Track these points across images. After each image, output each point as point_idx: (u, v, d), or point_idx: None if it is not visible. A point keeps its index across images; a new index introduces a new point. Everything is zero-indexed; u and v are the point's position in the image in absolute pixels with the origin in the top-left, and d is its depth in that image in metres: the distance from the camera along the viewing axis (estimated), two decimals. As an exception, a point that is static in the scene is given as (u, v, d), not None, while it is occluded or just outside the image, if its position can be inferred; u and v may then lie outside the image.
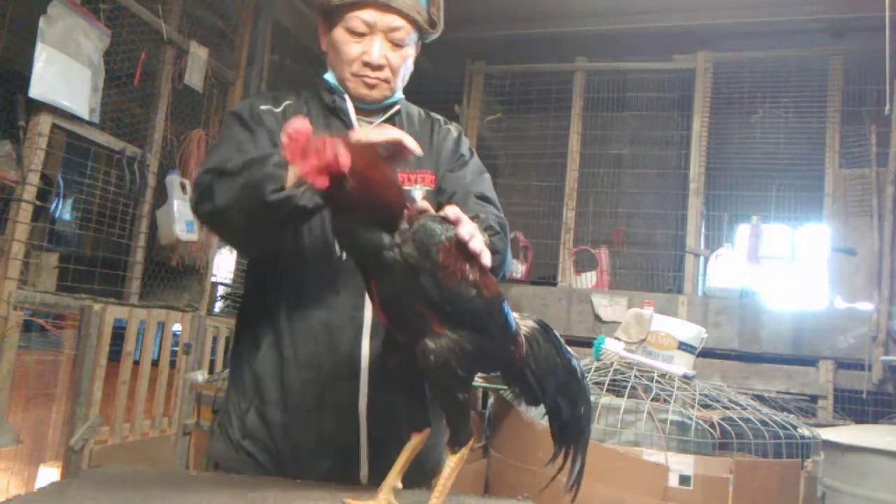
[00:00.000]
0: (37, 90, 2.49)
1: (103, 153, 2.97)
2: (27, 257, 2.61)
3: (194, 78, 3.31)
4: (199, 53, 3.32)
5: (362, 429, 1.27)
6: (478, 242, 1.01)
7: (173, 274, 3.42)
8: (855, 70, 4.36)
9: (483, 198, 1.39)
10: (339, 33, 1.36)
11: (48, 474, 2.76)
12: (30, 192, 2.56)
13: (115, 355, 2.85)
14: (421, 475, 1.30)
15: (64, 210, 3.83)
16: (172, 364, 3.20)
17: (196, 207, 1.24)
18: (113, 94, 2.98)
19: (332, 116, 1.39)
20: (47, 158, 2.66)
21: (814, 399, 3.99)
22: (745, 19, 4.49)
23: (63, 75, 2.59)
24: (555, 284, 4.63)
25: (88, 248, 3.42)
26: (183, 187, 3.25)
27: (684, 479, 2.07)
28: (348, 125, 1.37)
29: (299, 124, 0.93)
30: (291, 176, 0.95)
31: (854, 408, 3.92)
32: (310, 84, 1.47)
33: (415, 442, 1.09)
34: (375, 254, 0.97)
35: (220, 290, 4.29)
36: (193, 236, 3.27)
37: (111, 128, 2.97)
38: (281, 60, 4.43)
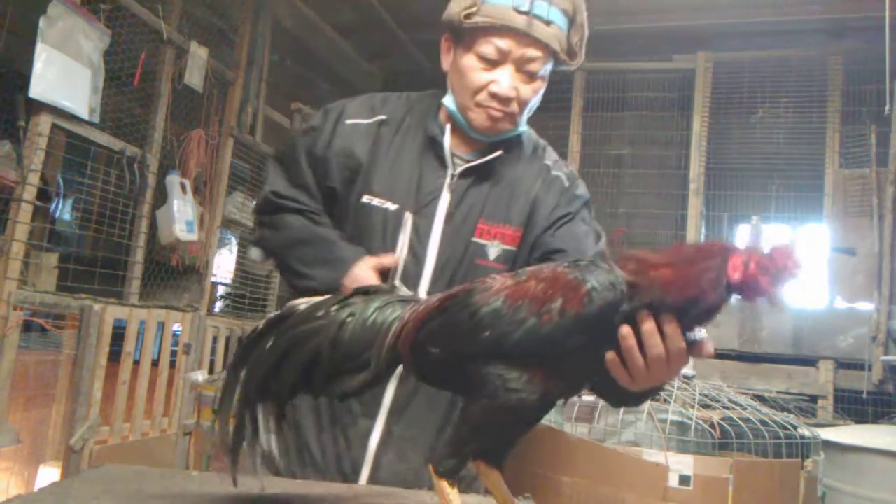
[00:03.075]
0: (37, 90, 2.49)
1: (103, 153, 2.97)
2: (27, 257, 2.61)
3: (194, 78, 3.30)
4: (199, 53, 3.32)
5: (366, 464, 1.24)
6: None
7: (173, 274, 3.42)
8: (855, 70, 4.36)
9: None
10: (468, 58, 1.23)
11: (48, 474, 2.76)
12: (30, 192, 2.56)
13: (115, 355, 2.85)
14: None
15: (64, 210, 3.83)
16: (172, 364, 3.20)
17: (256, 239, 1.32)
18: (113, 94, 2.97)
19: (428, 148, 1.28)
20: (47, 158, 2.66)
21: (814, 399, 3.99)
22: (745, 19, 4.49)
23: (63, 75, 2.58)
24: (555, 284, 4.62)
25: (88, 248, 3.42)
26: (183, 187, 3.25)
27: (684, 479, 2.07)
28: (443, 161, 1.27)
29: None
30: None
31: (854, 408, 3.92)
32: (413, 89, 1.38)
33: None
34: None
35: (220, 290, 4.29)
36: (193, 236, 3.27)
37: (111, 128, 2.97)
38: (281, 60, 4.43)
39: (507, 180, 1.29)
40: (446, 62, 1.31)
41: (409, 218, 1.23)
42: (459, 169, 1.27)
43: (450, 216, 1.24)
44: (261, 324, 0.96)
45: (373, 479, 1.24)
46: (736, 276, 0.86)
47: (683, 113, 4.72)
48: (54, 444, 2.89)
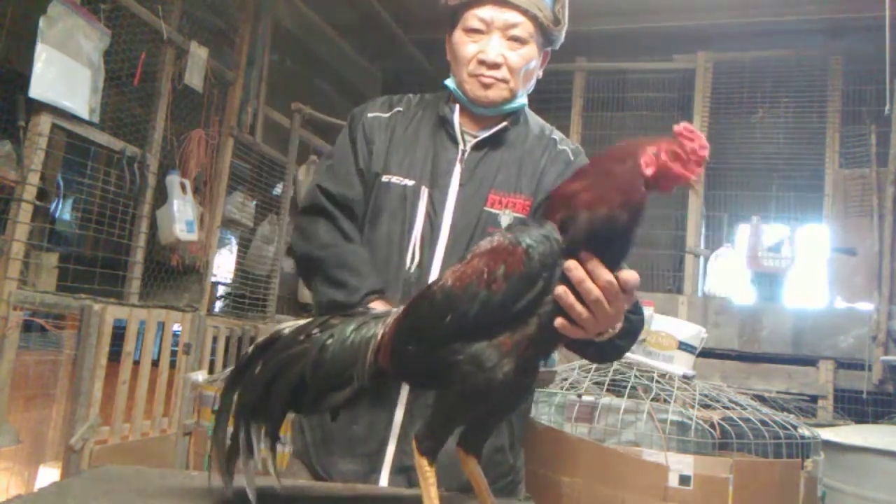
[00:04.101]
0: (37, 90, 2.49)
1: (103, 153, 2.97)
2: (27, 257, 2.61)
3: (194, 78, 3.30)
4: (199, 53, 3.32)
5: (391, 439, 1.26)
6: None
7: (173, 274, 3.41)
8: (855, 70, 4.36)
9: None
10: (457, 35, 1.34)
11: (48, 474, 2.76)
12: (30, 192, 2.56)
13: (115, 355, 2.85)
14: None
15: (64, 210, 3.83)
16: (172, 364, 3.20)
17: (292, 249, 1.39)
18: (113, 94, 2.97)
19: (440, 128, 1.36)
20: (47, 158, 2.66)
21: (814, 399, 3.99)
22: (745, 19, 4.49)
23: (63, 75, 2.58)
24: (555, 284, 4.62)
25: (88, 248, 3.42)
26: (183, 187, 3.25)
27: (684, 479, 2.07)
28: (453, 139, 1.35)
29: None
30: None
31: (854, 408, 3.92)
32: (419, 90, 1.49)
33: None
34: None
35: (220, 290, 4.29)
36: (193, 236, 3.27)
37: (111, 128, 2.97)
38: (281, 60, 4.43)
39: (516, 154, 1.37)
40: (448, 51, 1.41)
41: (424, 191, 1.31)
42: (470, 144, 1.35)
43: (462, 187, 1.32)
44: (250, 349, 1.02)
45: (399, 454, 1.25)
46: (648, 171, 0.92)
47: (683, 113, 4.71)
48: (54, 444, 2.89)
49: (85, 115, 2.70)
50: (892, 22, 3.18)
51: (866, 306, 4.02)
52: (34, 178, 2.57)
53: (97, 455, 2.67)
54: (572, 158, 1.40)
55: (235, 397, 0.99)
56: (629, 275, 0.91)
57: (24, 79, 2.52)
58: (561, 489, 2.17)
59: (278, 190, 4.27)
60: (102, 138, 2.86)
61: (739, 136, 4.78)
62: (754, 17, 4.45)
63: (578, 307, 0.88)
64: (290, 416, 1.38)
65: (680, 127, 0.92)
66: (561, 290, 0.88)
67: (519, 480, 1.38)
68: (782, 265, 4.49)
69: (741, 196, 4.73)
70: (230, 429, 0.99)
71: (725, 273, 4.45)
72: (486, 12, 1.30)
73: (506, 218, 1.31)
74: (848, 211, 4.24)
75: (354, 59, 5.13)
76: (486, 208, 1.31)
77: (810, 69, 4.47)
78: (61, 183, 3.15)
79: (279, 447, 1.45)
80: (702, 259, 4.56)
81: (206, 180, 3.48)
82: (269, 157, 4.01)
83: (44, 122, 2.57)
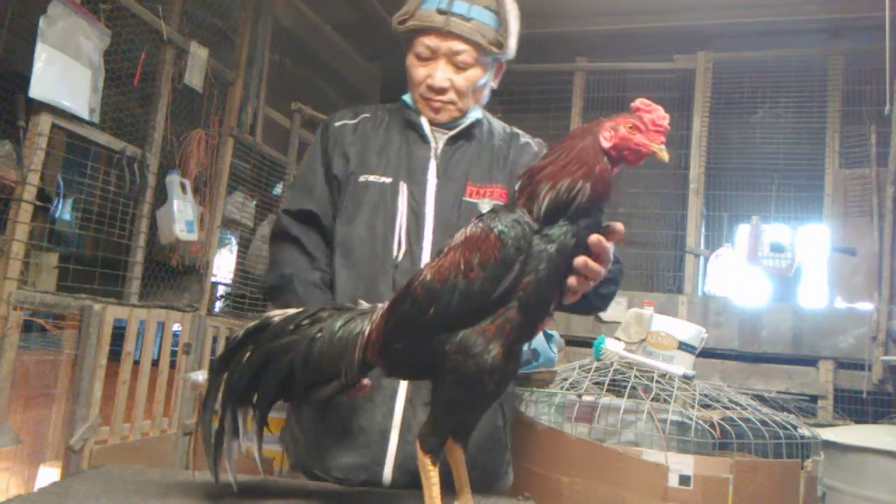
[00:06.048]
0: (37, 90, 2.49)
1: (103, 153, 2.97)
2: (27, 257, 2.60)
3: (194, 78, 3.30)
4: (199, 53, 3.32)
5: (394, 429, 1.27)
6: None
7: (173, 274, 3.41)
8: (855, 70, 4.36)
9: None
10: (410, 58, 1.43)
11: (48, 474, 2.76)
12: (30, 193, 2.56)
13: (115, 355, 2.85)
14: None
15: (64, 210, 3.83)
16: (172, 364, 3.20)
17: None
18: (113, 94, 2.97)
19: (409, 129, 1.44)
20: (47, 158, 2.65)
21: (814, 399, 3.99)
22: (745, 19, 4.49)
23: (63, 75, 2.58)
24: (555, 284, 4.62)
25: (88, 248, 3.42)
26: (183, 187, 3.25)
27: (684, 479, 2.07)
28: (424, 138, 1.43)
29: None
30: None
31: (854, 408, 3.92)
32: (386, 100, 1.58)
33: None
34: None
35: (220, 290, 4.29)
36: (193, 236, 3.27)
37: (111, 128, 2.96)
38: (281, 60, 4.43)
39: (485, 150, 1.46)
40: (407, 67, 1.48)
41: (403, 186, 1.38)
42: (441, 141, 1.43)
43: (439, 181, 1.39)
44: (240, 333, 1.05)
45: (402, 444, 1.26)
46: (607, 143, 0.98)
47: (683, 113, 4.71)
48: (54, 444, 2.89)
49: (85, 115, 2.70)
50: (892, 22, 3.18)
51: (866, 306, 4.02)
52: (34, 178, 2.57)
53: (97, 455, 2.67)
54: (536, 150, 1.49)
55: (224, 380, 1.02)
56: (615, 225, 1.00)
57: (24, 79, 2.52)
58: (561, 489, 2.17)
59: (278, 190, 4.27)
60: (102, 138, 2.85)
61: (739, 136, 4.77)
62: (754, 17, 4.45)
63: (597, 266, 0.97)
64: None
65: (637, 102, 0.98)
66: (595, 238, 0.96)
67: (509, 461, 1.45)
68: (783, 265, 4.48)
69: (741, 196, 4.72)
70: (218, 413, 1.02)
71: (725, 273, 4.45)
72: (432, 41, 1.38)
73: (486, 205, 1.38)
74: (848, 211, 4.24)
75: (354, 59, 5.12)
76: (465, 198, 1.38)
77: (810, 69, 4.47)
78: (61, 183, 3.15)
79: (278, 447, 1.46)
80: (702, 259, 4.55)
81: (206, 180, 3.48)
82: (269, 157, 4.01)
83: (44, 122, 2.57)
